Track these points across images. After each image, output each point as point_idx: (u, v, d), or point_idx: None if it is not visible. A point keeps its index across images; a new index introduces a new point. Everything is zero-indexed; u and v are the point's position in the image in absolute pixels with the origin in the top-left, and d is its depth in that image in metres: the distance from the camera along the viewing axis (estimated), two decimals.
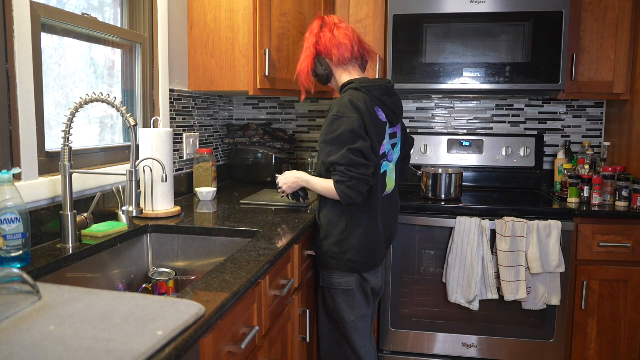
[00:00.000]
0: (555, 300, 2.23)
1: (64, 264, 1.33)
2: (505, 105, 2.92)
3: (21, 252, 1.23)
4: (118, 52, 2.04)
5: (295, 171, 1.94)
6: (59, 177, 1.51)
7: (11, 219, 1.21)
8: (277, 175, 1.98)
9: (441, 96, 2.94)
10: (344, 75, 1.85)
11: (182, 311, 0.92)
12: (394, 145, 1.85)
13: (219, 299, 1.05)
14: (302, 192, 2.01)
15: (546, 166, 2.88)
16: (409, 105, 2.97)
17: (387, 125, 1.79)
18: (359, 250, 1.78)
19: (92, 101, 1.42)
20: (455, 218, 2.28)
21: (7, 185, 1.22)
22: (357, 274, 1.82)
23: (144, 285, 1.65)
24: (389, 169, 1.84)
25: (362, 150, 1.66)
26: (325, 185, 1.76)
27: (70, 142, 1.43)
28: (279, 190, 1.98)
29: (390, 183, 1.86)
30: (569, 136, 2.88)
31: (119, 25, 2.03)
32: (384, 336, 2.42)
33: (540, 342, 2.31)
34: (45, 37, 1.58)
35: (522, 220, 2.20)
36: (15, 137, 1.40)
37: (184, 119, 2.40)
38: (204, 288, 1.12)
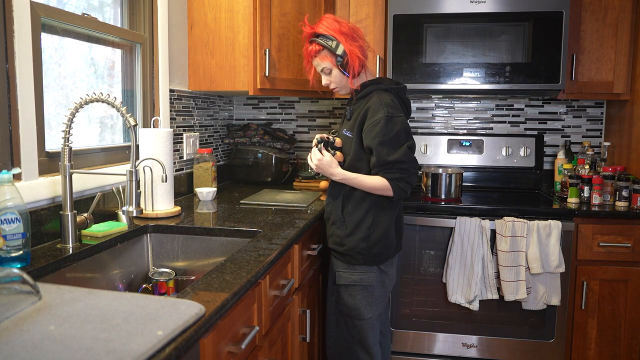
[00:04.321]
0: (555, 300, 2.23)
1: (64, 264, 1.33)
2: (505, 105, 2.92)
3: (21, 252, 1.23)
4: (118, 52, 2.04)
5: (334, 162, 1.84)
6: (59, 177, 1.51)
7: (11, 219, 1.21)
8: (315, 150, 1.85)
9: (441, 96, 2.94)
10: (362, 74, 1.90)
11: (182, 311, 0.92)
12: None
13: (219, 299, 1.05)
14: None
15: (546, 166, 2.88)
16: None
17: None
18: (385, 244, 1.84)
19: (92, 101, 1.42)
20: (455, 218, 2.28)
21: (7, 185, 1.22)
22: (377, 268, 1.86)
23: (144, 285, 1.65)
24: None
25: (413, 147, 1.79)
26: (375, 184, 1.76)
27: (70, 142, 1.43)
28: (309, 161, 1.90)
29: None
30: (569, 136, 2.88)
31: (119, 25, 2.03)
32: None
33: (540, 342, 2.31)
34: (45, 37, 1.58)
35: (522, 220, 2.20)
36: (15, 137, 1.40)
37: (184, 119, 2.40)
38: (204, 288, 1.12)
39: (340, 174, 1.83)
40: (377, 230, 1.82)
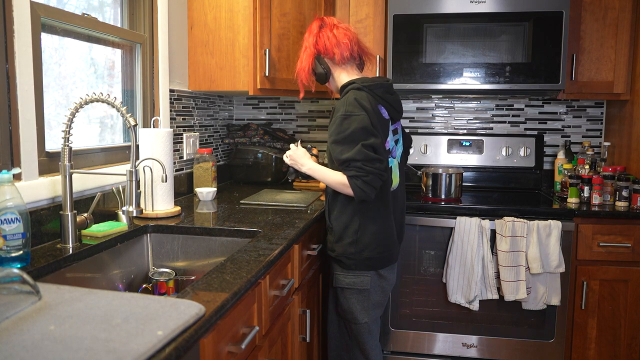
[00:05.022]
0: (555, 300, 2.23)
1: (64, 264, 1.33)
2: (505, 105, 2.92)
3: (21, 252, 1.23)
4: (118, 52, 2.04)
5: (306, 154, 1.93)
6: (59, 177, 1.51)
7: (11, 219, 1.21)
8: (292, 146, 1.97)
9: (441, 96, 2.94)
10: (343, 75, 1.88)
11: (182, 311, 0.92)
12: (396, 142, 1.87)
13: (219, 299, 1.05)
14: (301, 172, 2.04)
15: (546, 166, 2.88)
16: (409, 105, 2.97)
17: (390, 122, 1.81)
18: (375, 247, 1.80)
19: (92, 101, 1.42)
20: (455, 218, 2.28)
21: (7, 185, 1.22)
22: (374, 272, 1.83)
23: (144, 285, 1.65)
24: (394, 165, 1.85)
25: (374, 146, 1.68)
26: (336, 178, 1.74)
27: (70, 142, 1.43)
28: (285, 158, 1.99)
29: (395, 179, 1.87)
30: (569, 136, 2.88)
31: (119, 25, 2.03)
32: (384, 336, 2.41)
33: (540, 342, 2.31)
34: (45, 37, 1.58)
35: (522, 220, 2.20)
36: (15, 137, 1.40)
37: (184, 119, 2.40)
38: (204, 288, 1.12)
39: (308, 164, 1.87)
40: (366, 234, 1.79)
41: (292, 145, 1.96)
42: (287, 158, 1.94)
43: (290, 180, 2.08)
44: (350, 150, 1.67)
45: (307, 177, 2.04)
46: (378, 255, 1.81)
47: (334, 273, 1.89)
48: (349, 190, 1.71)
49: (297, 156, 1.91)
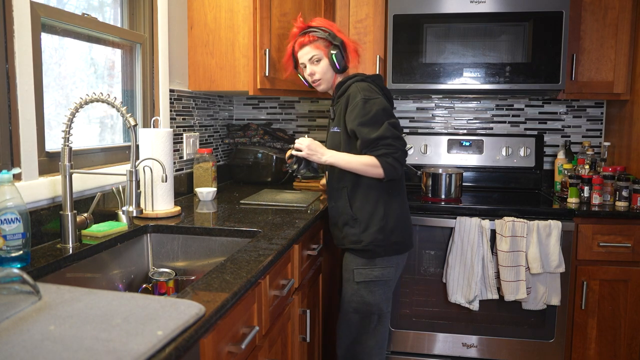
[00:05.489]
0: (555, 300, 2.23)
1: (64, 264, 1.33)
2: (505, 105, 2.92)
3: (21, 252, 1.23)
4: (118, 52, 2.04)
5: (318, 143, 1.86)
6: (59, 177, 1.51)
7: (11, 219, 1.21)
8: (302, 138, 1.86)
9: (441, 96, 2.94)
10: (339, 76, 1.96)
11: (182, 311, 0.92)
12: None
13: (219, 299, 1.05)
14: (313, 164, 1.89)
15: (546, 166, 2.88)
16: (409, 105, 2.97)
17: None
18: (400, 231, 1.85)
19: (92, 101, 1.42)
20: (455, 218, 2.28)
21: (7, 185, 1.22)
22: (396, 260, 1.86)
23: (144, 285, 1.65)
24: None
25: (397, 125, 1.77)
26: (363, 161, 1.75)
27: (70, 142, 1.43)
28: (293, 150, 1.88)
29: None
30: (569, 136, 2.88)
31: (119, 25, 2.03)
32: None
33: (540, 342, 2.31)
34: (45, 37, 1.58)
35: (522, 220, 2.20)
36: (15, 137, 1.40)
37: (184, 119, 2.40)
38: (204, 288, 1.12)
39: (329, 153, 1.82)
40: (391, 218, 1.82)
41: (301, 138, 1.87)
42: (304, 149, 1.83)
43: (300, 177, 2.01)
44: (379, 129, 1.72)
45: (316, 172, 1.93)
46: (404, 239, 1.86)
47: (354, 269, 1.87)
48: (377, 171, 1.74)
49: (317, 145, 1.84)
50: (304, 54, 1.92)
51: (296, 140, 1.88)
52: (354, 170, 1.79)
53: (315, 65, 1.91)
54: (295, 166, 1.89)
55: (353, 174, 1.83)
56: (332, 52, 1.87)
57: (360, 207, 1.83)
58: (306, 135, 1.93)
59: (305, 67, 1.95)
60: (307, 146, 1.83)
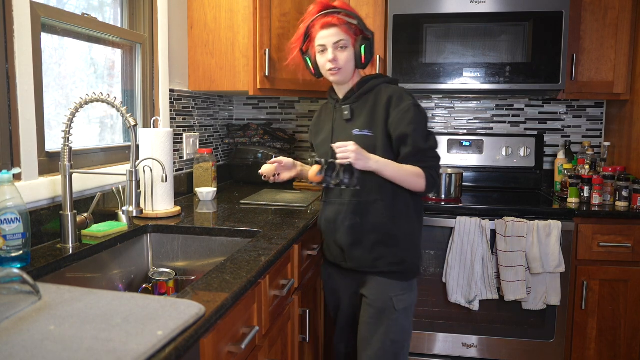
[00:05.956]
0: (555, 300, 2.23)
1: (64, 264, 1.33)
2: (505, 105, 2.92)
3: (21, 252, 1.23)
4: (118, 52, 2.04)
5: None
6: (59, 177, 1.51)
7: (11, 219, 1.21)
8: (341, 142, 1.51)
9: (441, 96, 2.94)
10: (358, 71, 1.71)
11: (182, 311, 0.92)
12: None
13: (219, 299, 1.05)
14: (357, 173, 1.54)
15: (546, 166, 2.88)
16: None
17: None
18: (420, 249, 1.71)
19: (92, 101, 1.42)
20: (455, 218, 2.28)
21: (7, 185, 1.22)
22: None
23: (144, 285, 1.65)
24: None
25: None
26: (410, 170, 1.55)
27: (70, 142, 1.43)
28: (339, 155, 1.51)
29: None
30: (569, 136, 2.88)
31: (119, 25, 2.03)
32: None
33: (540, 342, 2.31)
34: (45, 37, 1.58)
35: (522, 220, 2.20)
36: (15, 137, 1.40)
37: (184, 119, 2.40)
38: (204, 288, 1.12)
39: (375, 158, 1.53)
40: (419, 238, 1.69)
41: (340, 142, 1.52)
42: (351, 155, 1.49)
43: (332, 186, 1.60)
44: (429, 139, 1.59)
45: (348, 184, 1.56)
46: (420, 258, 1.72)
47: (394, 296, 1.62)
48: (420, 182, 1.55)
49: (363, 151, 1.52)
50: (329, 36, 1.59)
51: (335, 147, 1.53)
52: (397, 180, 1.56)
53: (340, 52, 1.60)
54: (334, 181, 1.55)
55: (393, 184, 1.58)
56: (362, 43, 1.60)
57: (403, 226, 1.62)
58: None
59: (323, 50, 1.62)
60: (353, 151, 1.49)
